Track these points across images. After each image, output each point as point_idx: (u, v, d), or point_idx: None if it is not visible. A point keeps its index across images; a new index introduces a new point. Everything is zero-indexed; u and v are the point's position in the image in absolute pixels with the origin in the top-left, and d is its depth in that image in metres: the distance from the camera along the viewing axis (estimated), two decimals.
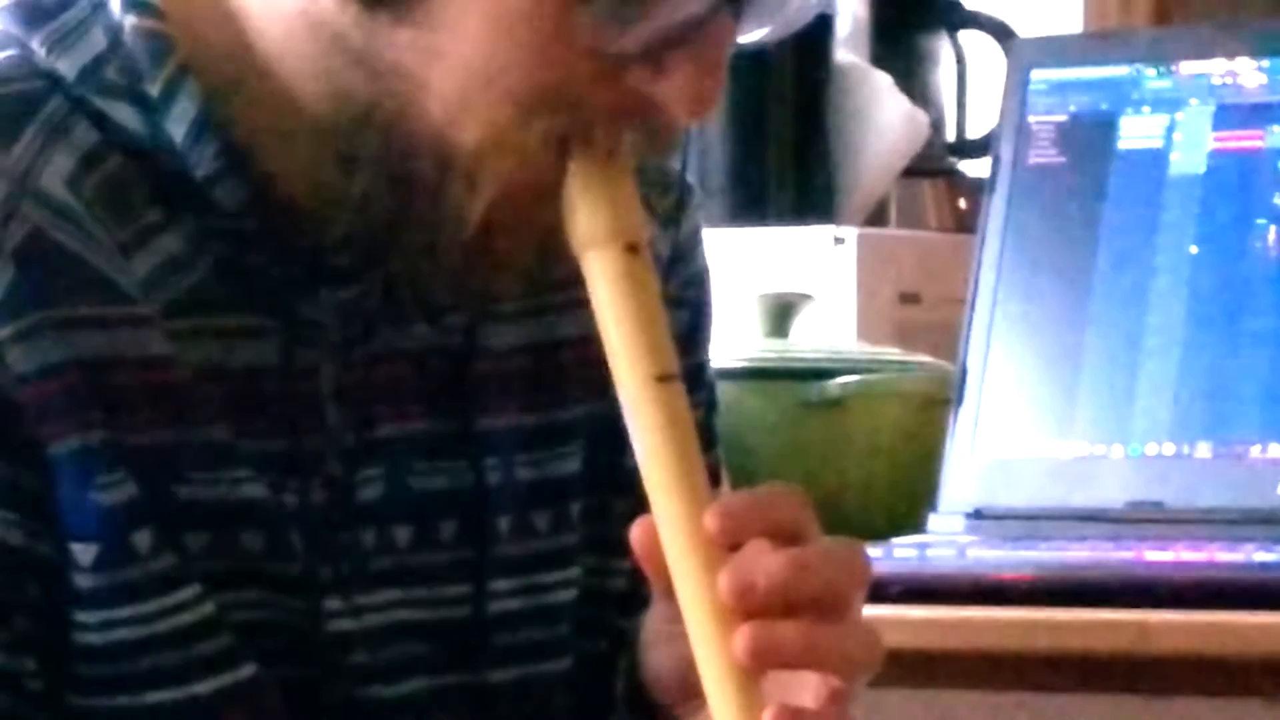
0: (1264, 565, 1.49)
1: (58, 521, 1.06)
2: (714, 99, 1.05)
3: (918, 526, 1.66)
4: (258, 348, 1.10)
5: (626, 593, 1.18)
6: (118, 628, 1.06)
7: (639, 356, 1.04)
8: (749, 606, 0.99)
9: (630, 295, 1.05)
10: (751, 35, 1.08)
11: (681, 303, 1.22)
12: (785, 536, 1.02)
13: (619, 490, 1.19)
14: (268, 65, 1.09)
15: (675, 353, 1.04)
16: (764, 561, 1.00)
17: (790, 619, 1.00)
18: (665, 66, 1.04)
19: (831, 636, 1.02)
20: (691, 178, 1.26)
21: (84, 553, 1.05)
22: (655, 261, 1.15)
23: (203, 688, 1.08)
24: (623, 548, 1.12)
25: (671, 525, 1.01)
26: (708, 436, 1.23)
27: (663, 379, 1.03)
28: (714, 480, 1.14)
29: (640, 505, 1.07)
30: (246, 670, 1.08)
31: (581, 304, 1.11)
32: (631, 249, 1.05)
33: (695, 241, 1.25)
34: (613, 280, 1.05)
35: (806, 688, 1.02)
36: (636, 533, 1.02)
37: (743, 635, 0.99)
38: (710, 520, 1.00)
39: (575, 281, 1.08)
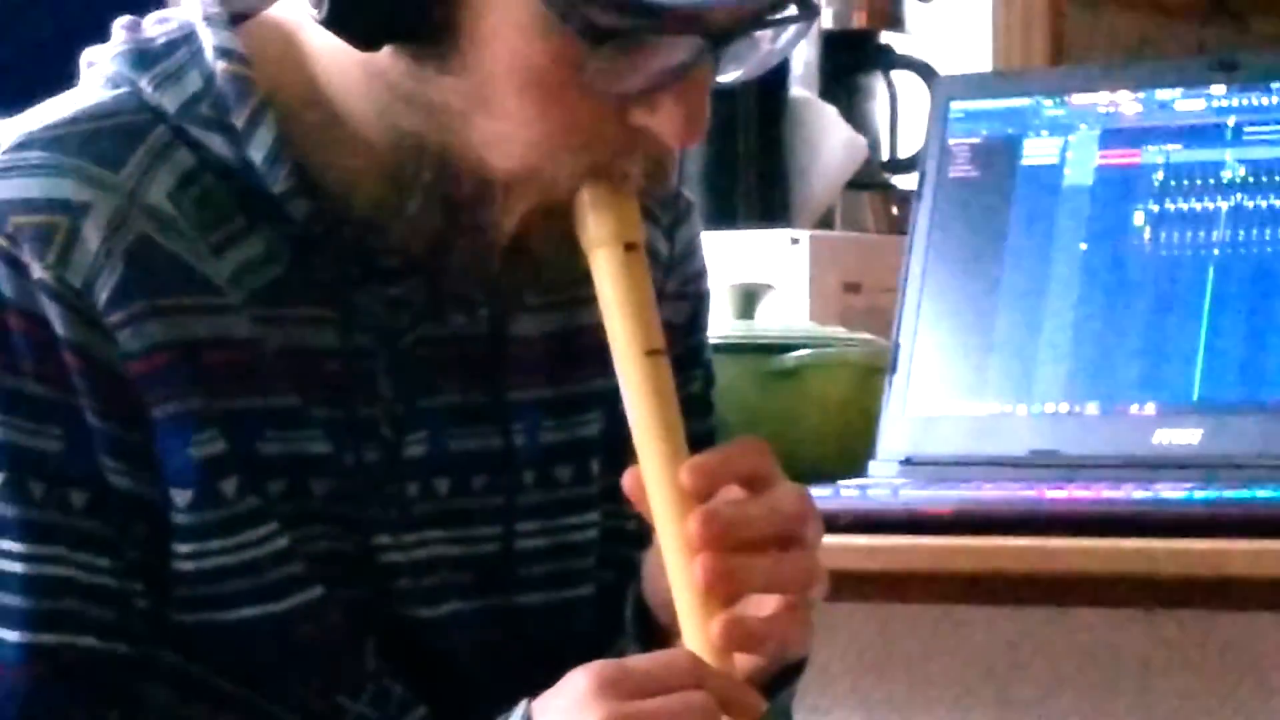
0: (1140, 500, 1.49)
1: (159, 471, 1.07)
2: (700, 130, 1.06)
3: (860, 471, 1.66)
4: (322, 333, 1.11)
5: (639, 532, 1.16)
6: (209, 557, 1.08)
7: (632, 334, 1.05)
8: (716, 543, 1.01)
9: (627, 284, 1.05)
10: (726, 77, 1.09)
11: (684, 295, 1.23)
12: (753, 482, 1.04)
13: (631, 449, 1.19)
14: (332, 103, 1.10)
15: (663, 333, 1.05)
16: (729, 504, 1.02)
17: (751, 552, 1.01)
18: (659, 104, 1.04)
19: (784, 564, 1.03)
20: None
21: (181, 496, 1.07)
22: (658, 261, 1.18)
23: (278, 606, 1.09)
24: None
25: (654, 477, 1.03)
26: (706, 404, 1.26)
27: (651, 354, 1.04)
28: (710, 440, 1.14)
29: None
30: (314, 592, 1.09)
31: (594, 298, 1.11)
32: (630, 247, 1.06)
33: (694, 246, 1.25)
34: (613, 272, 1.05)
35: (766, 605, 1.02)
36: (627, 481, 1.05)
37: (701, 563, 1.00)
38: (684, 474, 1.02)
39: (589, 280, 1.09)
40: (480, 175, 1.06)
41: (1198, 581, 1.49)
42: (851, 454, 1.67)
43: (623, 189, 1.06)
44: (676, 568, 1.01)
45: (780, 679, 1.11)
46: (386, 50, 1.05)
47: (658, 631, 1.10)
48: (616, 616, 1.17)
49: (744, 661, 1.02)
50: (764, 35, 1.07)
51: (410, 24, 1.04)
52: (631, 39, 1.02)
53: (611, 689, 0.99)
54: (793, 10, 1.06)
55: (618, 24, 1.02)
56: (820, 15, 1.13)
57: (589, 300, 1.11)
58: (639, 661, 1.02)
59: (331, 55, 1.08)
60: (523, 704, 1.02)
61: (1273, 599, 1.62)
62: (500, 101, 1.05)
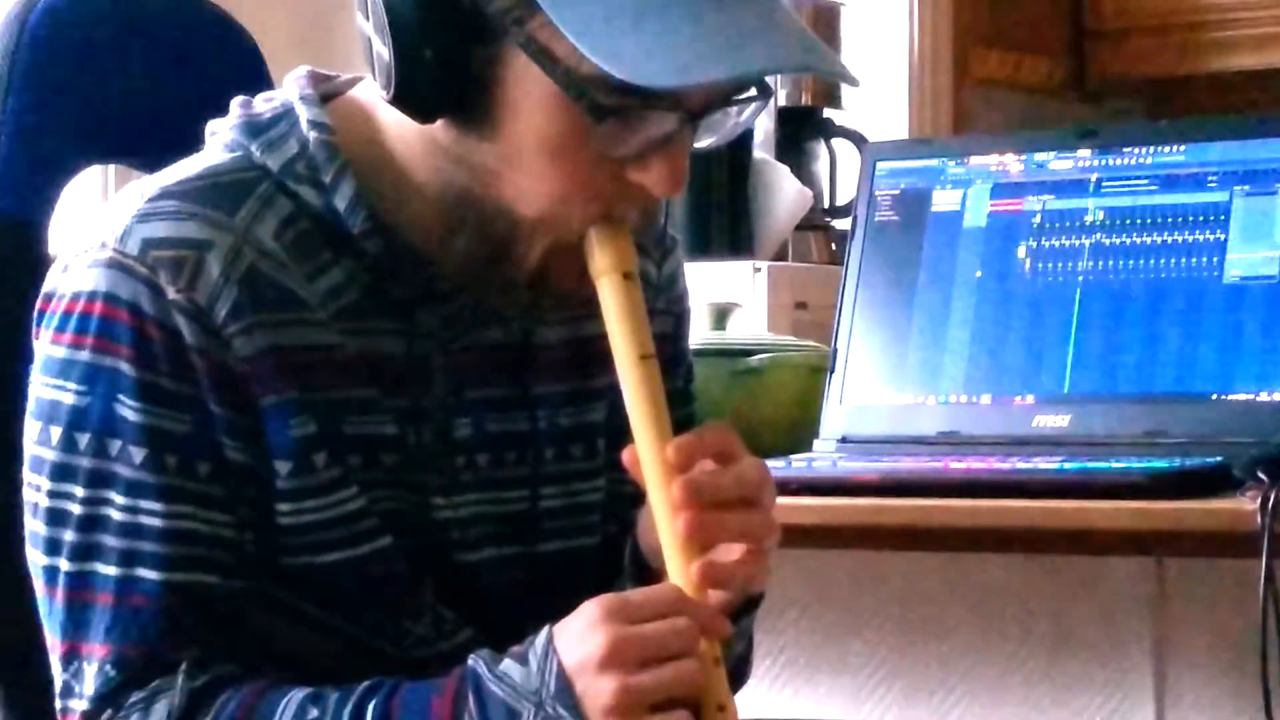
0: (1021, 470, 1.49)
1: (265, 447, 1.07)
2: (682, 184, 1.05)
3: (807, 448, 1.65)
4: (391, 341, 1.11)
5: (634, 495, 1.16)
6: (303, 514, 1.08)
7: (629, 343, 1.04)
8: (694, 503, 1.01)
9: (625, 304, 1.05)
10: (702, 143, 1.08)
11: (669, 312, 1.23)
12: (722, 457, 1.04)
13: (629, 431, 1.18)
14: (398, 163, 1.10)
15: (653, 342, 1.05)
16: (704, 474, 1.03)
17: (722, 510, 1.02)
18: (650, 164, 1.04)
19: (747, 520, 1.04)
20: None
21: (282, 466, 1.07)
22: (650, 285, 1.19)
23: (356, 552, 1.09)
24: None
25: (645, 453, 1.04)
26: (687, 396, 1.26)
27: (644, 358, 1.04)
28: (690, 424, 1.15)
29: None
30: (383, 541, 1.09)
31: (599, 314, 1.11)
32: (627, 276, 1.05)
33: (678, 273, 1.24)
34: (614, 295, 1.05)
35: (733, 552, 1.02)
36: (626, 456, 1.05)
37: (683, 519, 1.01)
38: (669, 451, 1.02)
39: (595, 300, 1.08)
40: (511, 219, 1.05)
41: (1065, 533, 1.49)
42: (800, 435, 1.66)
43: (622, 230, 1.05)
44: (664, 523, 1.02)
45: (744, 609, 1.11)
46: (439, 122, 1.05)
47: (649, 572, 1.10)
48: (618, 561, 1.16)
49: (715, 596, 1.02)
50: (731, 111, 1.07)
51: (457, 103, 1.04)
52: (627, 115, 1.02)
53: (615, 616, 0.99)
54: (752, 92, 1.06)
55: (616, 103, 1.01)
56: (774, 96, 1.12)
57: (594, 316, 1.10)
58: (635, 595, 1.02)
59: (397, 126, 1.08)
60: (546, 628, 1.01)
61: (1124, 547, 1.62)
62: (526, 162, 1.04)
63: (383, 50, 1.03)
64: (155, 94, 1.32)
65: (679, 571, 1.01)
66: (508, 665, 1.01)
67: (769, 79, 1.07)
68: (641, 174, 1.03)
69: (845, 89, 2.64)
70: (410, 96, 1.04)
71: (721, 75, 1.01)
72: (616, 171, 1.04)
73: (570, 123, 1.02)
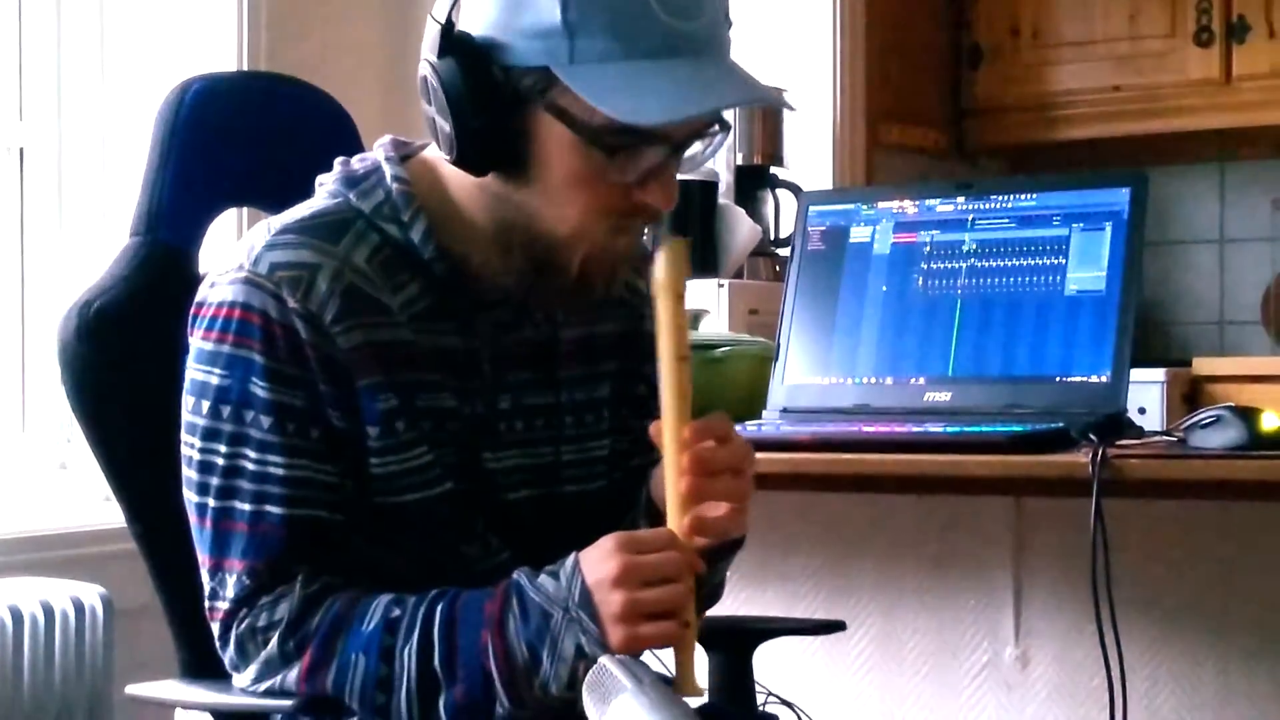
0: (916, 433, 1.48)
1: (360, 417, 1.06)
2: (674, 198, 1.05)
3: (758, 417, 1.64)
4: (452, 339, 1.11)
5: (628, 451, 1.17)
6: (387, 466, 1.08)
7: (672, 345, 1.03)
8: (696, 471, 1.01)
9: (674, 317, 1.03)
10: (683, 172, 1.07)
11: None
12: (720, 439, 1.03)
13: (627, 404, 1.17)
14: (458, 207, 1.09)
15: (689, 345, 1.04)
16: (707, 449, 1.02)
17: (715, 477, 1.02)
18: (649, 186, 1.04)
19: (732, 485, 1.04)
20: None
21: (372, 430, 1.07)
22: (645, 297, 1.15)
23: (427, 494, 1.09)
24: (629, 430, 1.15)
25: (669, 431, 1.03)
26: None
27: (681, 359, 1.03)
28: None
29: (643, 412, 1.10)
30: (446, 486, 1.09)
31: (609, 318, 1.12)
32: (679, 297, 1.03)
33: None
34: (666, 309, 1.03)
35: (719, 509, 1.02)
36: (652, 430, 1.04)
37: (686, 483, 1.01)
38: (686, 431, 1.02)
39: (606, 306, 1.08)
40: (552, 239, 1.05)
41: (948, 479, 1.48)
42: (754, 407, 1.65)
43: (681, 257, 1.04)
44: (670, 483, 1.02)
45: (729, 549, 1.12)
46: (490, 175, 1.05)
47: (658, 515, 1.09)
48: (619, 500, 1.15)
49: (700, 541, 1.02)
50: (701, 144, 1.06)
51: (503, 160, 1.04)
52: (631, 151, 1.02)
53: (625, 548, 0.99)
54: (716, 128, 1.06)
55: (621, 142, 1.01)
56: (730, 131, 1.11)
57: (603, 319, 1.11)
58: (643, 534, 1.02)
59: (456, 178, 1.08)
60: (573, 554, 1.01)
61: (991, 490, 1.63)
62: (558, 195, 1.04)
63: (443, 124, 1.03)
64: (276, 154, 1.32)
65: (675, 520, 1.01)
66: (543, 580, 1.01)
67: (728, 117, 1.08)
68: (644, 194, 1.04)
69: (788, 149, 2.64)
70: (466, 159, 1.04)
71: (695, 112, 1.01)
72: (626, 193, 1.04)
73: (588, 161, 1.02)
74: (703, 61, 1.00)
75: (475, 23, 1.01)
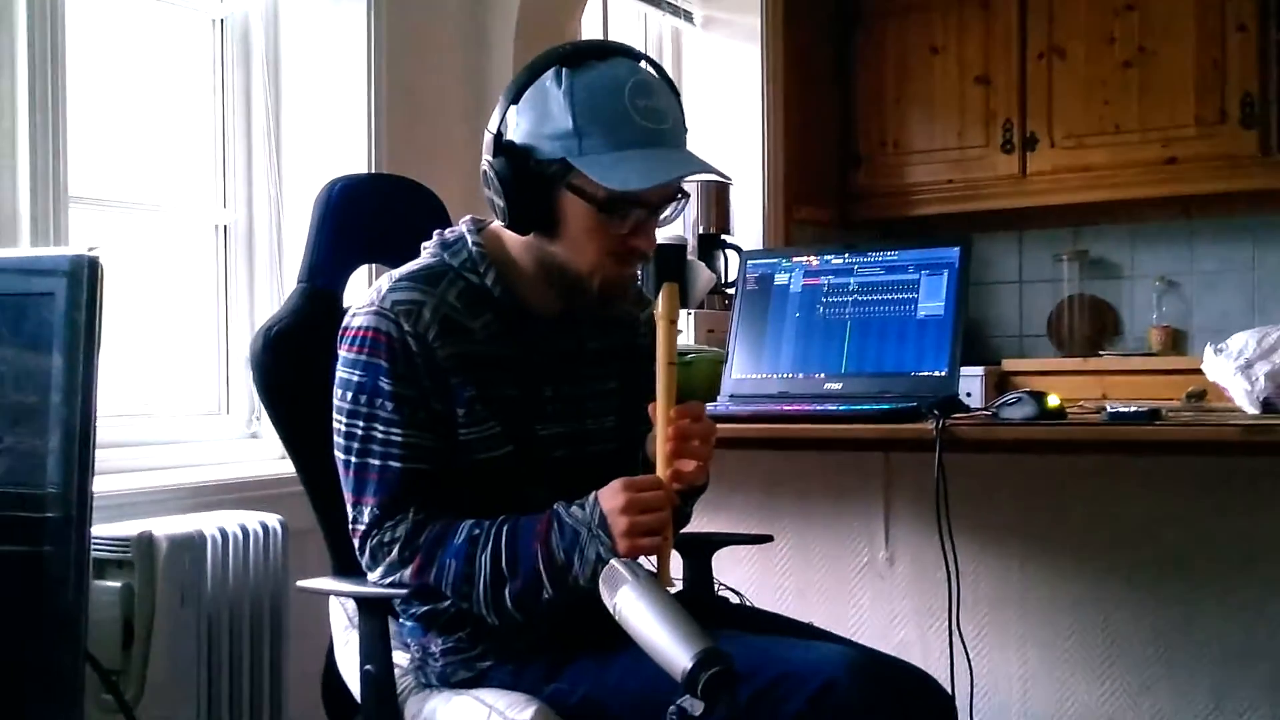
0: (819, 409, 1.46)
1: (452, 401, 1.05)
2: (654, 244, 1.03)
3: (716, 402, 1.62)
4: (513, 349, 1.09)
5: (631, 424, 1.14)
6: (470, 435, 1.07)
7: (664, 354, 1.01)
8: (678, 438, 0.99)
9: (668, 338, 1.00)
10: (661, 225, 1.06)
11: (646, 334, 1.18)
12: (695, 418, 1.01)
13: (632, 394, 1.14)
14: (515, 257, 1.08)
15: (677, 354, 1.01)
16: (686, 425, 1.00)
17: (689, 441, 1.00)
18: (638, 235, 1.03)
19: (700, 449, 1.01)
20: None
21: (459, 411, 1.05)
22: (638, 321, 1.16)
23: (496, 453, 1.07)
24: (635, 413, 1.10)
25: (660, 411, 1.01)
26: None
27: (670, 363, 1.01)
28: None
29: (641, 398, 1.05)
30: (509, 448, 1.07)
31: (619, 334, 1.10)
32: (672, 322, 1.00)
33: (652, 315, 1.20)
34: (664, 332, 1.00)
35: (691, 465, 1.00)
36: (650, 409, 1.01)
37: (669, 446, 0.99)
38: (673, 413, 1.00)
39: (620, 325, 1.07)
40: (575, 273, 1.04)
41: (843, 440, 1.46)
42: (713, 394, 1.63)
43: (675, 293, 1.01)
44: (659, 446, 1.00)
45: (696, 493, 1.10)
46: (531, 235, 1.05)
47: (650, 467, 1.07)
48: (626, 457, 1.14)
49: (677, 485, 1.00)
50: (669, 210, 1.05)
51: (539, 224, 1.03)
52: (624, 211, 1.02)
53: (629, 487, 0.99)
54: (680, 196, 1.05)
55: (618, 207, 1.01)
56: (689, 199, 1.07)
57: (619, 334, 1.09)
58: (639, 479, 1.00)
59: (511, 239, 1.07)
60: (593, 493, 1.01)
61: (870, 448, 1.62)
62: (577, 243, 1.03)
63: (499, 202, 1.03)
64: (394, 228, 1.32)
65: (661, 471, 1.00)
66: (574, 509, 1.01)
67: (689, 189, 1.07)
68: (635, 240, 1.04)
69: (735, 221, 2.63)
70: (515, 225, 1.04)
71: (663, 180, 1.01)
72: (623, 240, 1.04)
73: (597, 219, 1.02)
74: (669, 149, 1.00)
75: (515, 132, 1.02)
